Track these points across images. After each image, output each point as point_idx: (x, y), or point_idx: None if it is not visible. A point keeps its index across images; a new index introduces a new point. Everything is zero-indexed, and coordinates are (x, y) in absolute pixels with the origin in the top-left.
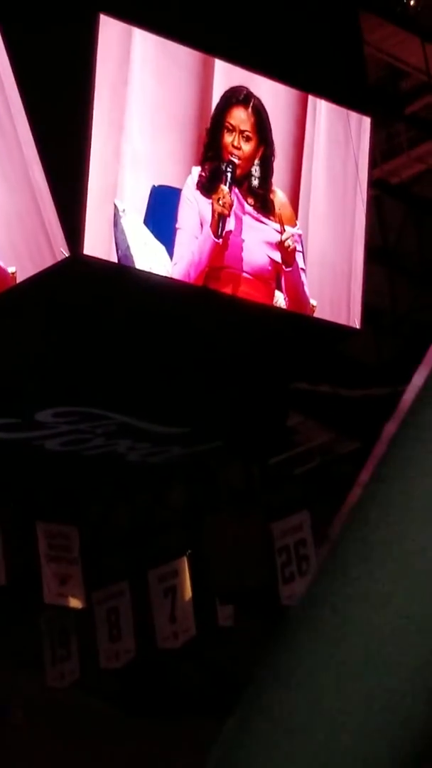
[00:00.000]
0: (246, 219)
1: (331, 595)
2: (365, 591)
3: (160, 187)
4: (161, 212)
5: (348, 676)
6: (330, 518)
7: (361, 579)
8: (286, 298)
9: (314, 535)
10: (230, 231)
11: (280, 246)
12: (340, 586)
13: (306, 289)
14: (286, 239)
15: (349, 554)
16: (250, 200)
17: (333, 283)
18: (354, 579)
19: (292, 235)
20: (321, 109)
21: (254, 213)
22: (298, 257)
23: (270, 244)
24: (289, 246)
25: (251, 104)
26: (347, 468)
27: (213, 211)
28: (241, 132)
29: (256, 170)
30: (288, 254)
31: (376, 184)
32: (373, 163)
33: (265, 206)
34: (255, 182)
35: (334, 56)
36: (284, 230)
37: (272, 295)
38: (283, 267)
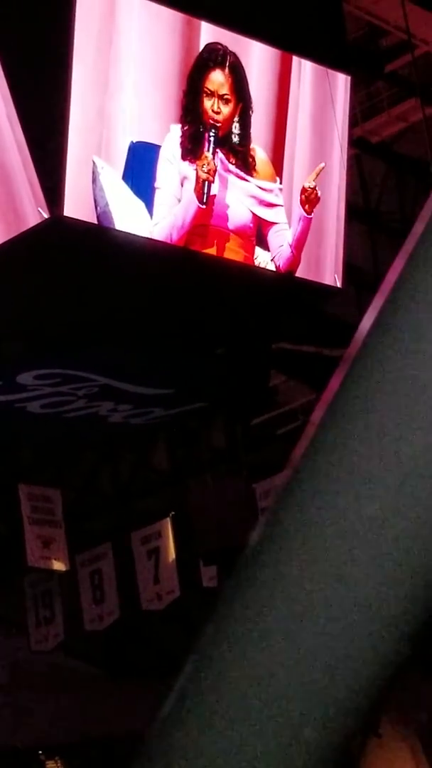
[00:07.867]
0: (230, 178)
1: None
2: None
3: (139, 143)
4: (140, 168)
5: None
6: None
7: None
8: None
9: None
10: (214, 195)
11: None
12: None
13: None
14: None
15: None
16: (232, 159)
17: (315, 241)
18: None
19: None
20: (305, 69)
21: (237, 171)
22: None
23: (253, 199)
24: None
25: (228, 64)
26: None
27: (197, 177)
28: (220, 96)
29: (235, 127)
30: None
31: (356, 143)
32: (354, 122)
33: (246, 163)
34: (235, 139)
35: (314, 15)
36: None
37: (253, 252)
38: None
